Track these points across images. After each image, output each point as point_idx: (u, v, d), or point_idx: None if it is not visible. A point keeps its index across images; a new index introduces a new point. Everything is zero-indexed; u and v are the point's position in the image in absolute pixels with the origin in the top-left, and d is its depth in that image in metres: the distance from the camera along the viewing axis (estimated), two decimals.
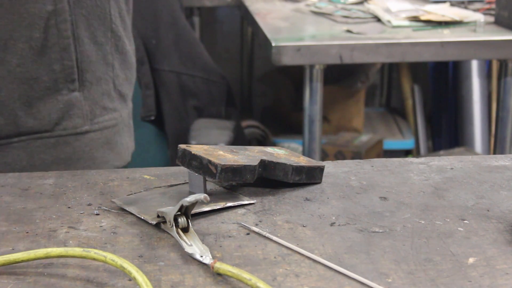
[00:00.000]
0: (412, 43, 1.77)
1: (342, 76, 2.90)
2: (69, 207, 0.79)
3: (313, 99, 1.82)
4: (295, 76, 2.88)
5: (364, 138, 2.78)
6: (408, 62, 3.01)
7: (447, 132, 3.09)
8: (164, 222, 0.73)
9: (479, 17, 1.93)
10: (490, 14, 2.00)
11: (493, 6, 2.04)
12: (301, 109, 1.89)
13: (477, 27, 1.86)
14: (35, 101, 1.06)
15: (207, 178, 0.80)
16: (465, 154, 2.61)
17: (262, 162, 0.82)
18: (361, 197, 0.82)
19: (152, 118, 2.06)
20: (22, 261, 0.66)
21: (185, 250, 0.69)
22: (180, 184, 0.85)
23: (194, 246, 0.69)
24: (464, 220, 0.76)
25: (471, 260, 0.68)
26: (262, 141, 2.81)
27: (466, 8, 2.12)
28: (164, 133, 2.12)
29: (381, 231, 0.74)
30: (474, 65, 2.94)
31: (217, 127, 2.05)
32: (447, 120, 3.08)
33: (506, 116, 1.89)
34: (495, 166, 0.91)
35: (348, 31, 1.85)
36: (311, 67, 1.79)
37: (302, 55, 1.74)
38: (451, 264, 0.68)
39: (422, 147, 3.07)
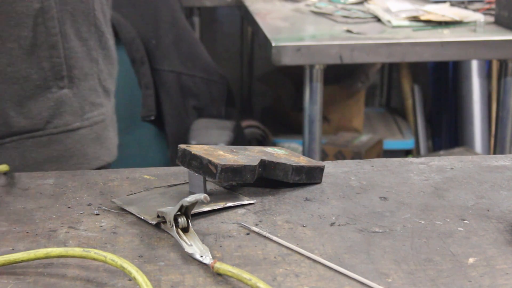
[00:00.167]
0: (412, 43, 1.77)
1: (342, 76, 2.90)
2: (69, 207, 0.79)
3: (313, 99, 1.82)
4: (295, 76, 2.88)
5: (364, 138, 2.78)
6: (408, 62, 3.01)
7: (447, 132, 3.09)
8: (164, 222, 0.73)
9: (479, 17, 1.93)
10: (490, 14, 2.00)
11: (493, 6, 2.04)
12: (301, 109, 1.89)
13: (477, 27, 1.85)
14: (26, 100, 1.06)
15: (207, 178, 0.80)
16: (465, 154, 2.61)
17: (262, 162, 0.82)
18: (361, 197, 0.82)
19: (152, 118, 2.06)
20: (22, 261, 0.66)
21: (185, 250, 0.69)
22: (180, 184, 0.85)
23: (194, 246, 0.69)
24: (464, 220, 0.76)
25: (471, 260, 0.68)
26: (262, 141, 2.80)
27: (466, 8, 2.12)
28: (164, 133, 2.12)
29: (381, 231, 0.74)
30: (474, 65, 2.94)
31: (217, 127, 2.05)
32: (447, 120, 3.08)
33: (506, 116, 1.89)
34: (495, 166, 0.91)
35: (348, 31, 1.85)
36: (311, 67, 1.79)
37: (302, 55, 1.74)
38: (451, 264, 0.68)
39: (422, 147, 3.07)
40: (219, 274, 0.65)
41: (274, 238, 0.72)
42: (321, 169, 0.86)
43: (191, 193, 0.82)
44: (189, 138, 1.98)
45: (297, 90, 2.91)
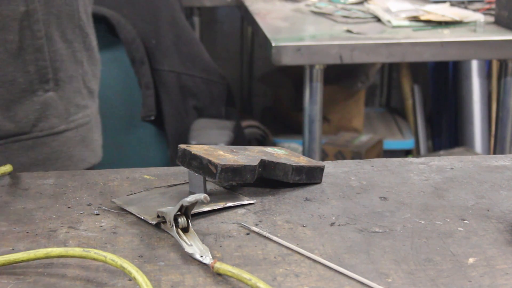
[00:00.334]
0: (412, 43, 1.77)
1: (342, 76, 2.90)
2: (69, 207, 0.79)
3: (313, 99, 1.82)
4: (295, 76, 2.88)
5: (364, 138, 2.78)
6: (408, 62, 3.01)
7: (447, 132, 3.09)
8: (164, 222, 0.73)
9: (479, 17, 1.93)
10: (490, 14, 2.00)
11: (493, 6, 2.04)
12: (301, 109, 1.89)
13: (477, 27, 1.85)
14: (12, 104, 1.06)
15: (207, 178, 0.80)
16: (465, 154, 2.61)
17: (262, 162, 0.82)
18: (361, 197, 0.82)
19: (152, 118, 2.06)
20: (22, 261, 0.66)
21: (185, 250, 0.69)
22: (180, 184, 0.85)
23: (194, 246, 0.69)
24: (464, 220, 0.76)
25: (471, 260, 0.68)
26: (262, 141, 2.80)
27: (466, 8, 2.12)
28: (164, 133, 2.12)
29: (381, 231, 0.74)
30: (474, 65, 2.94)
31: (217, 127, 2.05)
32: (447, 120, 3.08)
33: (506, 116, 1.89)
34: (495, 166, 0.91)
35: (348, 31, 1.85)
36: (311, 67, 1.79)
37: (302, 55, 1.74)
38: (451, 264, 0.68)
39: (422, 147, 3.07)
40: (219, 274, 0.65)
41: (274, 238, 0.72)
42: (321, 169, 0.86)
43: (191, 193, 0.82)
44: (189, 138, 1.98)
45: (297, 90, 2.91)
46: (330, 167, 0.90)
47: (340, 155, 2.67)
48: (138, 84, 2.07)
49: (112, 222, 0.76)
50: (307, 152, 1.85)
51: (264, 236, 0.73)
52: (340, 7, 2.12)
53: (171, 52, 2.10)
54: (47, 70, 1.07)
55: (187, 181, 0.84)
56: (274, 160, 0.82)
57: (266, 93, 3.22)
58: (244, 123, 2.73)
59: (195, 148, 0.81)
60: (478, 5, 2.15)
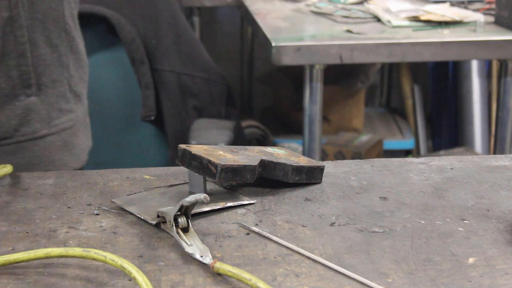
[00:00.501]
0: (412, 43, 1.77)
1: (342, 76, 2.90)
2: (69, 207, 0.79)
3: (313, 99, 1.82)
4: (295, 76, 2.88)
5: (364, 138, 2.78)
6: (408, 62, 3.01)
7: (447, 132, 3.09)
8: (164, 222, 0.73)
9: (479, 17, 1.93)
10: (490, 14, 2.00)
11: (493, 6, 2.04)
12: (301, 109, 1.89)
13: (477, 27, 1.85)
14: None
15: (207, 178, 0.80)
16: (465, 154, 2.61)
17: (262, 162, 0.82)
18: (361, 197, 0.82)
19: (152, 118, 2.06)
20: (22, 261, 0.66)
21: (185, 250, 0.69)
22: (180, 184, 0.85)
23: (194, 246, 0.69)
24: (464, 220, 0.76)
25: (471, 260, 0.68)
26: (262, 141, 2.80)
27: (466, 8, 2.12)
28: (164, 133, 2.12)
29: (381, 231, 0.74)
30: (474, 65, 2.94)
31: (217, 127, 2.05)
32: (447, 120, 3.08)
33: (506, 116, 1.89)
34: (495, 166, 0.91)
35: (348, 31, 1.85)
36: (311, 67, 1.79)
37: (302, 55, 1.74)
38: (451, 264, 0.68)
39: (422, 147, 3.07)
40: (219, 274, 0.65)
41: (274, 238, 0.72)
42: (321, 169, 0.86)
43: (191, 193, 0.82)
44: (189, 138, 1.98)
45: (297, 90, 2.91)
46: (330, 167, 0.90)
47: (340, 155, 2.67)
48: (138, 84, 2.07)
49: (112, 222, 0.76)
50: (307, 152, 1.85)
51: (264, 236, 0.73)
52: (340, 7, 2.12)
53: (171, 52, 2.10)
54: (29, 75, 1.06)
55: (187, 181, 0.84)
56: (274, 160, 0.82)
57: (266, 93, 3.22)
58: (244, 123, 2.73)
59: (195, 148, 0.81)
60: (478, 5, 2.15)
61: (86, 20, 2.06)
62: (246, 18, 2.31)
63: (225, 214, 0.78)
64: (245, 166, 0.79)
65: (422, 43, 1.77)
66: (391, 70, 3.28)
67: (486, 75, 2.97)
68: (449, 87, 3.06)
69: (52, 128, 1.10)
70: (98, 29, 2.10)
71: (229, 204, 0.79)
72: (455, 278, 0.65)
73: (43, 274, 0.66)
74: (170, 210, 0.72)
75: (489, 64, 2.98)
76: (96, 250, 0.66)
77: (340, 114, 2.94)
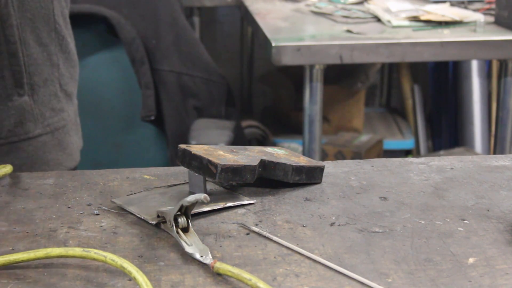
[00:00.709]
0: (412, 43, 1.77)
1: (342, 76, 2.90)
2: (69, 207, 0.79)
3: (313, 99, 1.82)
4: (295, 76, 2.88)
5: (364, 138, 2.78)
6: (408, 62, 3.01)
7: (447, 132, 3.09)
8: (164, 222, 0.73)
9: (479, 17, 1.93)
10: (490, 14, 2.00)
11: (493, 6, 2.04)
12: (301, 109, 1.89)
13: (477, 27, 1.85)
14: None
15: (207, 178, 0.80)
16: (465, 154, 2.61)
17: (262, 162, 0.82)
18: (361, 197, 0.82)
19: (152, 118, 2.06)
20: (22, 261, 0.66)
21: (185, 250, 0.69)
22: (180, 184, 0.85)
23: (194, 246, 0.69)
24: (464, 220, 0.76)
25: (471, 260, 0.68)
26: (262, 141, 2.80)
27: (466, 8, 2.12)
28: (164, 133, 2.12)
29: (381, 231, 0.74)
30: (474, 65, 2.94)
31: (217, 127, 2.05)
32: (447, 120, 3.08)
33: (506, 116, 1.89)
34: (495, 166, 0.91)
35: (348, 31, 1.85)
36: (311, 67, 1.79)
37: (302, 55, 1.74)
38: (451, 264, 0.68)
39: (422, 147, 3.07)
40: (219, 274, 0.65)
41: (274, 238, 0.72)
42: (321, 169, 0.86)
43: (191, 193, 0.82)
44: (189, 138, 1.98)
45: (297, 90, 2.91)
46: (330, 167, 0.90)
47: (340, 155, 2.67)
48: (138, 84, 2.07)
49: (112, 222, 0.76)
50: (307, 152, 1.85)
51: (264, 236, 0.73)
52: (340, 7, 2.12)
53: (171, 52, 2.10)
54: (21, 74, 1.05)
55: (187, 181, 0.84)
56: (274, 160, 0.82)
57: (266, 93, 3.22)
58: (244, 123, 2.73)
59: (195, 148, 0.81)
60: (478, 5, 2.15)
61: (86, 20, 2.07)
62: (246, 18, 2.31)
63: (225, 214, 0.78)
64: (245, 166, 0.79)
65: (422, 43, 1.77)
66: (391, 70, 3.28)
67: (486, 75, 2.97)
68: (449, 87, 3.06)
69: (45, 127, 1.09)
70: (98, 29, 2.10)
71: (229, 204, 0.79)
72: (455, 278, 0.65)
73: (43, 274, 0.66)
74: (170, 210, 0.72)
75: (489, 64, 2.98)
76: (96, 250, 0.66)
77: (340, 114, 2.94)
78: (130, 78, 2.09)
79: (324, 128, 2.76)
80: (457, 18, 1.94)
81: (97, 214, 0.78)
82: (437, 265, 0.67)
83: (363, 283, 0.64)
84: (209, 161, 0.78)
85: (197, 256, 0.68)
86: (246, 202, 0.80)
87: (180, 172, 0.89)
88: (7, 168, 0.86)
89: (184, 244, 0.70)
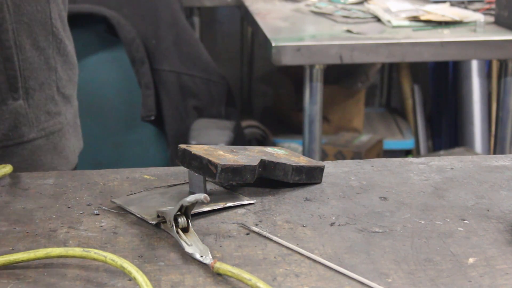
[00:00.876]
0: (412, 43, 1.77)
1: (342, 76, 2.90)
2: (69, 207, 0.79)
3: (313, 99, 1.82)
4: (295, 76, 2.88)
5: (364, 138, 2.78)
6: (408, 62, 3.01)
7: (447, 132, 3.09)
8: (164, 222, 0.73)
9: (479, 17, 1.93)
10: (490, 14, 2.00)
11: (493, 6, 2.04)
12: (301, 109, 1.89)
13: (477, 27, 1.86)
14: None
15: (207, 178, 0.80)
16: (465, 154, 2.61)
17: (262, 162, 0.82)
18: (361, 197, 0.82)
19: (152, 118, 2.06)
20: (22, 261, 0.66)
21: (185, 250, 0.69)
22: (180, 184, 0.85)
23: (194, 246, 0.69)
24: (464, 220, 0.76)
25: (471, 260, 0.68)
26: (262, 141, 2.80)
27: (466, 8, 2.12)
28: (164, 133, 2.12)
29: (381, 231, 0.74)
30: (474, 65, 2.94)
31: (217, 127, 2.05)
32: (447, 120, 3.08)
33: (506, 116, 1.89)
34: (495, 166, 0.91)
35: (348, 31, 1.85)
36: (311, 67, 1.79)
37: (302, 55, 1.74)
38: (451, 264, 0.68)
39: (422, 147, 3.07)
40: (219, 274, 0.65)
41: (274, 238, 0.72)
42: (321, 169, 0.86)
43: (191, 193, 0.82)
44: (189, 138, 1.98)
45: (297, 90, 2.91)
46: (330, 167, 0.90)
47: (340, 155, 2.67)
48: (138, 84, 2.07)
49: (112, 222, 0.76)
50: (307, 152, 1.85)
51: (264, 236, 0.73)
52: (340, 7, 2.12)
53: (171, 52, 2.10)
54: (16, 79, 1.05)
55: (187, 181, 0.84)
56: (274, 160, 0.82)
57: (266, 93, 3.22)
58: (244, 123, 2.73)
59: (195, 148, 0.81)
60: (478, 5, 2.15)
61: (86, 20, 2.07)
62: (246, 18, 2.31)
63: (225, 214, 0.78)
64: (245, 166, 0.79)
65: (422, 43, 1.77)
66: (391, 70, 3.28)
67: (486, 75, 2.97)
68: (449, 87, 3.06)
69: (40, 131, 1.09)
70: (98, 29, 2.10)
71: (229, 204, 0.79)
72: (455, 278, 0.65)
73: (43, 274, 0.66)
74: (170, 210, 0.72)
75: (489, 64, 2.98)
76: (96, 250, 0.66)
77: (340, 114, 2.94)
78: (130, 78, 2.09)
79: (324, 128, 2.76)
80: (457, 18, 1.94)
81: (97, 214, 0.78)
82: (437, 265, 0.67)
83: (363, 283, 0.64)
84: (209, 161, 0.78)
85: (197, 256, 0.68)
86: (246, 202, 0.80)
87: (180, 172, 0.89)
88: (7, 168, 0.86)
89: (184, 244, 0.70)
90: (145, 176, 0.88)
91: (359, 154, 2.64)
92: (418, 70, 3.23)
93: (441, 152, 2.86)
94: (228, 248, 0.70)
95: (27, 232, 0.74)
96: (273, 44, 1.73)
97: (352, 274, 0.65)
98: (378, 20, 1.98)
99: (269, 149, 0.89)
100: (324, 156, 2.64)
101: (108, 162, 2.13)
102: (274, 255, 0.69)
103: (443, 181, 0.86)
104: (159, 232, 0.74)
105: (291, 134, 2.90)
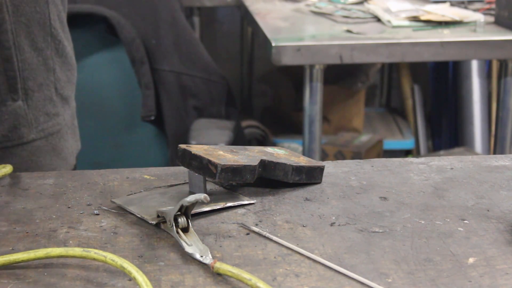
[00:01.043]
0: (412, 43, 1.77)
1: (342, 76, 2.90)
2: (69, 207, 0.79)
3: (313, 99, 1.82)
4: (295, 76, 2.88)
5: (364, 138, 2.78)
6: (408, 62, 3.01)
7: (447, 132, 3.09)
8: (164, 222, 0.73)
9: (479, 17, 1.93)
10: (490, 14, 2.00)
11: (493, 6, 2.04)
12: (301, 109, 1.89)
13: (477, 27, 1.86)
14: None
15: (207, 178, 0.80)
16: (465, 154, 2.61)
17: (262, 162, 0.82)
18: (361, 197, 0.82)
19: (152, 118, 2.06)
20: (22, 261, 0.66)
21: (185, 250, 0.69)
22: (180, 184, 0.85)
23: (194, 246, 0.69)
24: (464, 220, 0.76)
25: (471, 260, 0.68)
26: (262, 141, 2.80)
27: (466, 8, 2.12)
28: (164, 133, 2.12)
29: (381, 231, 0.74)
30: (474, 65, 2.94)
31: (217, 127, 2.05)
32: (447, 120, 3.08)
33: (506, 116, 1.89)
34: (495, 166, 0.91)
35: (348, 31, 1.85)
36: (311, 67, 1.79)
37: (302, 55, 1.74)
38: (451, 264, 0.68)
39: (422, 147, 3.07)
40: (219, 274, 0.65)
41: (274, 238, 0.72)
42: (321, 169, 0.86)
43: (191, 193, 0.82)
44: (189, 138, 1.98)
45: (297, 90, 2.91)
46: (330, 167, 0.90)
47: (340, 155, 2.67)
48: (138, 84, 2.07)
49: (112, 222, 0.76)
50: (307, 152, 1.85)
51: (264, 236, 0.73)
52: (340, 7, 2.12)
53: (171, 52, 2.10)
54: (16, 80, 1.05)
55: (187, 181, 0.84)
56: (274, 160, 0.82)
57: (266, 93, 3.22)
58: (244, 123, 2.73)
59: (195, 148, 0.81)
60: (478, 5, 2.15)
61: (86, 20, 2.07)
62: (246, 18, 2.31)
63: (225, 214, 0.78)
64: (245, 166, 0.79)
65: (422, 43, 1.77)
66: (391, 70, 3.29)
67: (486, 75, 2.97)
68: (449, 87, 3.06)
69: (39, 132, 1.09)
70: (98, 29, 2.10)
71: (229, 204, 0.79)
72: (455, 278, 0.65)
73: (43, 274, 0.66)
74: (170, 210, 0.72)
75: (489, 64, 2.98)
76: (96, 250, 0.66)
77: (340, 114, 2.94)
78: (130, 78, 2.09)
79: (324, 128, 2.76)
80: (457, 18, 1.94)
81: (97, 214, 0.78)
82: (437, 265, 0.67)
83: (363, 283, 0.64)
84: (209, 161, 0.78)
85: (197, 256, 0.68)
86: (246, 202, 0.80)
87: (180, 172, 0.89)
88: (7, 168, 0.86)
89: (184, 244, 0.70)
90: (145, 176, 0.88)
91: (359, 154, 2.64)
92: (418, 70, 3.23)
93: (441, 152, 2.86)
94: (228, 248, 0.70)
95: (27, 232, 0.74)
96: (273, 44, 1.73)
97: (352, 274, 0.65)
98: (378, 20, 1.98)
99: (269, 149, 0.89)
100: (324, 156, 2.64)
101: (108, 162, 2.13)
102: (274, 255, 0.69)
103: (443, 181, 0.86)
104: (159, 232, 0.74)
105: (291, 134, 2.90)
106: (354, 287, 0.64)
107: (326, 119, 2.88)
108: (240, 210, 0.79)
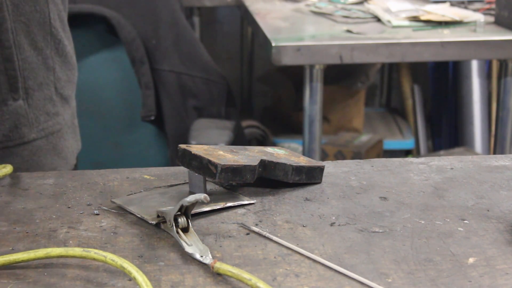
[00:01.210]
0: (412, 43, 1.77)
1: (342, 76, 2.90)
2: (69, 207, 0.79)
3: (313, 99, 1.82)
4: (295, 76, 2.88)
5: (364, 138, 2.78)
6: (408, 62, 3.01)
7: (447, 132, 3.09)
8: (164, 222, 0.73)
9: (479, 17, 1.93)
10: (490, 14, 2.00)
11: (493, 6, 2.04)
12: (301, 109, 1.89)
13: (477, 27, 1.86)
14: None
15: (207, 178, 0.80)
16: (465, 154, 2.61)
17: (262, 162, 0.82)
18: (361, 197, 0.82)
19: (152, 118, 2.06)
20: (22, 261, 0.66)
21: (185, 250, 0.69)
22: (180, 184, 0.85)
23: (194, 246, 0.69)
24: (464, 220, 0.76)
25: (471, 260, 0.68)
26: (262, 141, 2.80)
27: (466, 8, 2.12)
28: (164, 133, 2.12)
29: (381, 231, 0.74)
30: (474, 65, 2.94)
31: (217, 127, 2.05)
32: (447, 120, 3.08)
33: (506, 116, 1.89)
34: (495, 166, 0.91)
35: (348, 31, 1.85)
36: (311, 67, 1.79)
37: (302, 55, 1.74)
38: (451, 264, 0.68)
39: (422, 147, 3.07)
40: (219, 274, 0.65)
41: (274, 238, 0.72)
42: (321, 169, 0.86)
43: (191, 193, 0.82)
44: (189, 138, 1.98)
45: (297, 90, 2.91)
46: (330, 167, 0.90)
47: (340, 155, 2.67)
48: (138, 84, 2.07)
49: (112, 222, 0.76)
50: (307, 152, 1.85)
51: (264, 236, 0.73)
52: (340, 7, 2.12)
53: (171, 52, 2.10)
54: (17, 79, 1.05)
55: (187, 181, 0.84)
56: (274, 160, 0.82)
57: (266, 93, 3.22)
58: (244, 123, 2.73)
59: (195, 148, 0.81)
60: (478, 5, 2.15)
61: (86, 20, 2.07)
62: (246, 18, 2.31)
63: (225, 214, 0.78)
64: (245, 166, 0.79)
65: (422, 43, 1.77)
66: (391, 70, 3.29)
67: (486, 75, 2.97)
68: (449, 87, 3.06)
69: (40, 132, 1.09)
70: (98, 29, 2.10)
71: (229, 204, 0.79)
72: (455, 278, 0.65)
73: (43, 274, 0.66)
74: (170, 210, 0.72)
75: (489, 64, 2.99)
76: (96, 250, 0.66)
77: (340, 114, 2.94)
78: (130, 78, 2.09)
79: (324, 128, 2.76)
80: (457, 18, 1.94)
81: (97, 214, 0.78)
82: (437, 265, 0.67)
83: (363, 283, 0.64)
84: (209, 161, 0.78)
85: (197, 256, 0.68)
86: (246, 202, 0.80)
87: (180, 172, 0.89)
88: (7, 168, 0.86)
89: (184, 244, 0.70)
90: (145, 176, 0.88)
91: (359, 154, 2.64)
92: (418, 70, 3.23)
93: (441, 152, 2.86)
94: (228, 248, 0.70)
95: (27, 232, 0.74)
96: (273, 44, 1.73)
97: (352, 274, 0.65)
98: (378, 20, 1.98)
99: (269, 149, 0.89)
100: (324, 156, 2.64)
101: (108, 162, 2.13)
102: (274, 255, 0.69)
103: (443, 181, 0.86)
104: (159, 232, 0.74)
105: (291, 134, 2.90)
106: (354, 287, 0.64)
107: (326, 119, 2.88)
108: (240, 210, 0.79)
